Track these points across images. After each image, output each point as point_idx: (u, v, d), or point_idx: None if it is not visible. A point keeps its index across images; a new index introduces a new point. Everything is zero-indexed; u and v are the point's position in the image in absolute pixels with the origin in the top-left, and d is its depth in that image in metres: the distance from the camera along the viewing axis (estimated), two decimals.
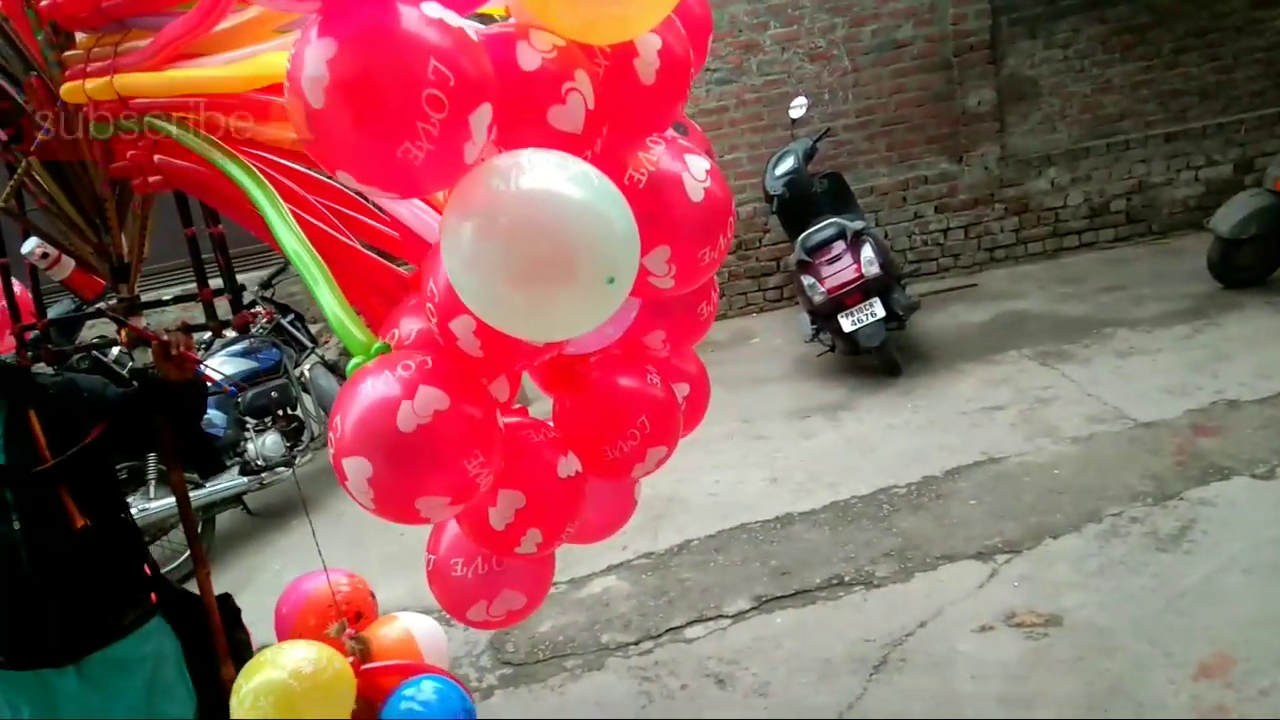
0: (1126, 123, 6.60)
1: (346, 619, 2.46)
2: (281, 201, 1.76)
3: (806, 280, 5.12)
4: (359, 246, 2.02)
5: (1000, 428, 4.31)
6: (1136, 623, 2.85)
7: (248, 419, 4.82)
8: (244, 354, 4.91)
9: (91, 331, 5.22)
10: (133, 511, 2.34)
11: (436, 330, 1.53)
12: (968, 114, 6.53)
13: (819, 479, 4.18)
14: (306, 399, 5.11)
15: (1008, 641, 2.90)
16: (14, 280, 2.36)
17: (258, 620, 2.58)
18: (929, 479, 3.97)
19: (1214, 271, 5.35)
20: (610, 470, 2.02)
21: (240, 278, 2.42)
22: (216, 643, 2.31)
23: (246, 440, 4.78)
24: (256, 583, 4.26)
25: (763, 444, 4.68)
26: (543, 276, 1.26)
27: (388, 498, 1.46)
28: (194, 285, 2.32)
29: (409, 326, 1.65)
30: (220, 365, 4.71)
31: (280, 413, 4.95)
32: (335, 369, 5.32)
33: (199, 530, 2.67)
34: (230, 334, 4.56)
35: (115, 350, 4.57)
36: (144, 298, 2.33)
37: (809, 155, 5.58)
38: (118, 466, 2.41)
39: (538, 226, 1.24)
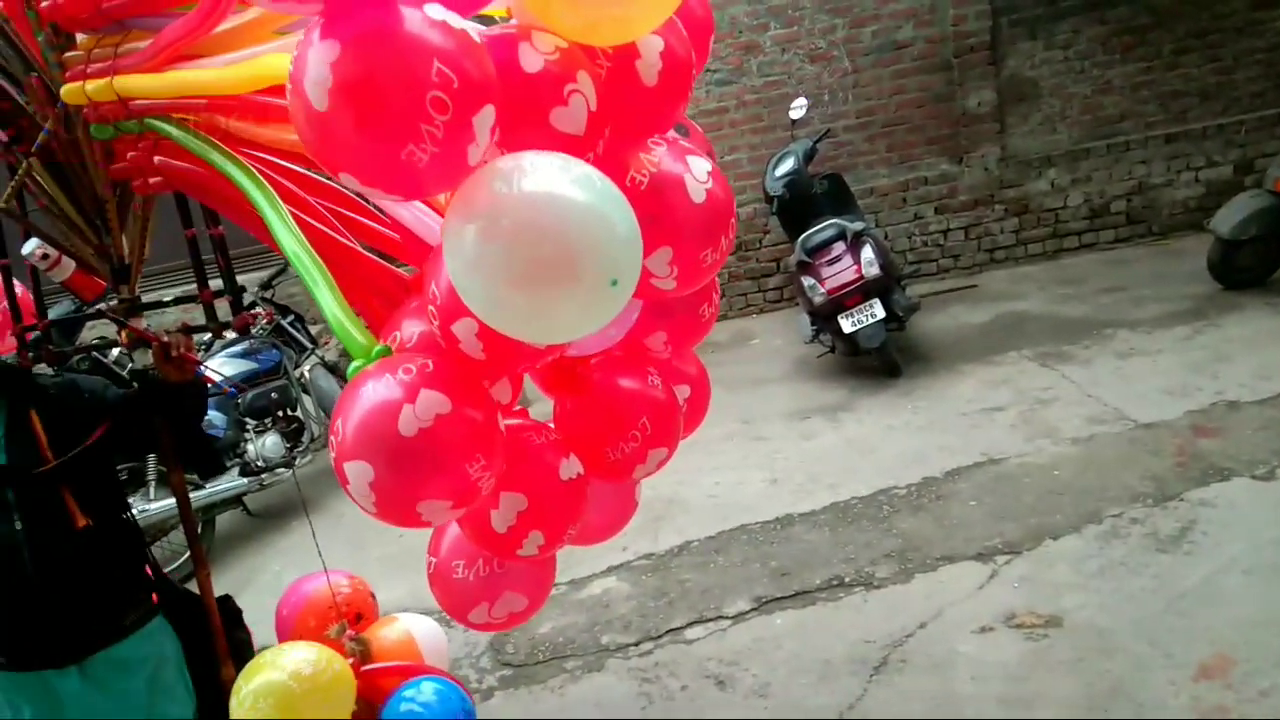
0: (1127, 124, 6.60)
1: (347, 620, 2.47)
2: (281, 203, 1.76)
3: (806, 281, 5.12)
4: (359, 248, 2.02)
5: (1000, 429, 4.31)
6: (1137, 624, 2.86)
7: (248, 420, 4.83)
8: (244, 355, 4.91)
9: (92, 332, 5.23)
10: (133, 512, 2.34)
11: (438, 333, 1.52)
12: (968, 115, 6.53)
13: (819, 480, 4.18)
14: (306, 400, 5.11)
15: (1008, 642, 2.90)
16: (15, 281, 2.36)
17: (258, 621, 2.58)
18: (929, 480, 3.97)
19: (1214, 272, 5.35)
20: (611, 472, 2.02)
21: (240, 279, 2.43)
22: (217, 643, 2.31)
23: (246, 441, 4.78)
24: (256, 584, 4.26)
25: (763, 445, 4.68)
26: (545, 279, 1.25)
27: (389, 502, 1.46)
28: (194, 286, 2.32)
29: (410, 329, 1.65)
30: (220, 366, 4.71)
31: (280, 414, 4.95)
32: (335, 370, 5.33)
33: (199, 531, 2.67)
34: (230, 335, 4.55)
35: (116, 351, 4.56)
36: (144, 299, 2.33)
37: (809, 156, 5.57)
38: (118, 468, 2.42)
39: (540, 229, 1.24)
